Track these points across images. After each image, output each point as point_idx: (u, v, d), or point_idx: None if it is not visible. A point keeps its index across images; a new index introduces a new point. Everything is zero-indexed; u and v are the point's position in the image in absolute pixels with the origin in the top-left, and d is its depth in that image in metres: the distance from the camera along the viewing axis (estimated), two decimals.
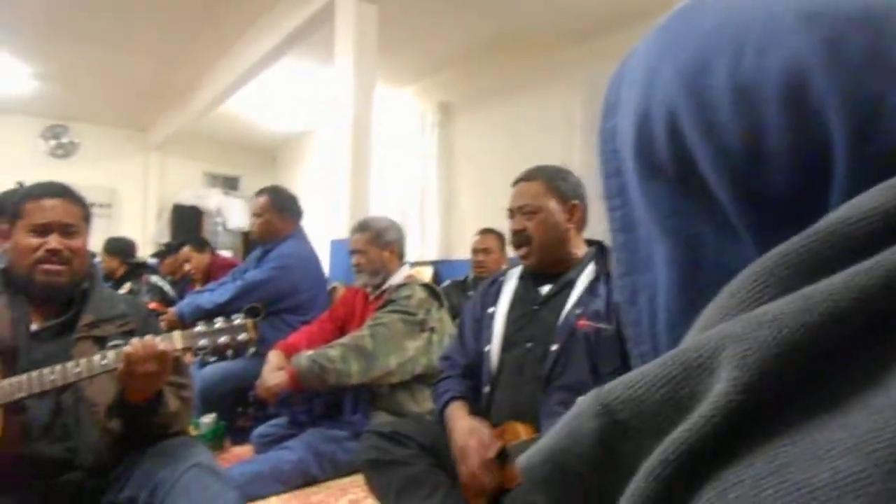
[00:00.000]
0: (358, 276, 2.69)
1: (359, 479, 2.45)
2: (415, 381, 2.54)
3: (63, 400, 1.50)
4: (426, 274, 4.42)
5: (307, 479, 2.42)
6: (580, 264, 1.79)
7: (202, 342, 1.53)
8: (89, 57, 5.86)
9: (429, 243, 5.57)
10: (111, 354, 1.46)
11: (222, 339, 1.54)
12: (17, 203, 1.65)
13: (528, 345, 1.76)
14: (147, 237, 7.78)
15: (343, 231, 3.68)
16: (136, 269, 4.42)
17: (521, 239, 1.82)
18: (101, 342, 1.59)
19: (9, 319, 1.56)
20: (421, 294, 2.54)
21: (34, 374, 1.42)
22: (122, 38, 5.37)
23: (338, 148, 3.78)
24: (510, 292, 1.88)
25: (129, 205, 8.15)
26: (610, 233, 0.39)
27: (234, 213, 7.83)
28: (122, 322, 1.67)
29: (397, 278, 2.64)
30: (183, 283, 4.59)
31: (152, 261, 5.08)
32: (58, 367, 1.43)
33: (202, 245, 4.28)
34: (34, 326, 1.59)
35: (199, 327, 1.54)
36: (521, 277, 1.89)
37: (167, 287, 4.28)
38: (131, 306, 1.76)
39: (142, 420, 1.54)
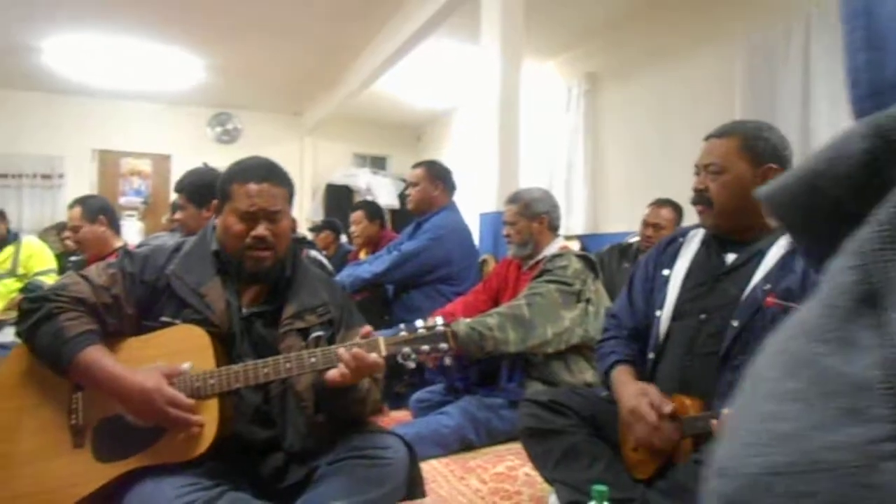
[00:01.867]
0: (509, 247, 2.71)
1: (515, 446, 2.49)
2: (570, 352, 2.52)
3: (271, 389, 1.59)
4: (573, 248, 4.36)
5: (464, 445, 2.49)
6: (772, 234, 1.62)
7: (405, 350, 1.56)
8: (251, 48, 6.26)
9: (575, 217, 5.48)
10: (320, 356, 1.53)
11: (424, 347, 1.57)
12: (225, 182, 1.69)
13: (702, 316, 1.65)
14: (303, 215, 8.24)
15: (491, 204, 3.70)
16: (298, 244, 4.69)
17: (701, 198, 1.69)
18: (304, 333, 1.65)
19: (224, 302, 1.63)
20: (577, 265, 2.51)
21: (250, 365, 1.51)
22: (280, 28, 5.68)
23: (485, 123, 3.79)
24: (689, 256, 1.77)
25: None
26: (847, 53, 0.35)
27: (382, 191, 8.10)
28: (324, 311, 1.71)
29: (552, 249, 2.62)
30: (337, 257, 4.83)
31: (310, 236, 5.38)
32: (270, 362, 1.51)
33: (374, 214, 4.38)
34: (244, 310, 1.66)
35: (403, 333, 1.57)
36: (704, 242, 1.75)
37: (325, 261, 4.52)
38: (331, 292, 1.79)
39: (342, 401, 1.60)
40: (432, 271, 3.28)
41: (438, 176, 3.50)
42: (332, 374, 1.51)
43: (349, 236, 4.73)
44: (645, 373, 1.74)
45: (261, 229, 1.63)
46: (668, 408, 1.54)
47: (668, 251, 1.84)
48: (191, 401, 1.48)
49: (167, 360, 1.54)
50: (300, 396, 1.63)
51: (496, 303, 2.82)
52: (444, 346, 1.60)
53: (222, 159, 8.29)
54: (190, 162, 8.22)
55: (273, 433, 1.61)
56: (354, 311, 1.88)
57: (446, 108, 8.01)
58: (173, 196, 8.35)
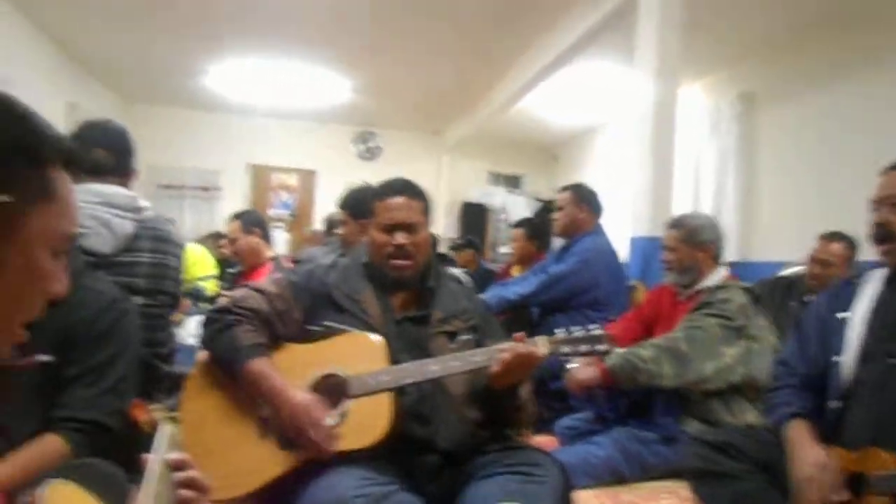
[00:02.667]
0: (666, 274, 2.60)
1: (670, 484, 2.38)
2: (730, 391, 2.37)
3: (424, 387, 1.66)
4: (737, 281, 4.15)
5: (615, 477, 2.40)
6: None
7: (564, 349, 1.62)
8: (395, 69, 6.49)
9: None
10: (484, 354, 1.60)
11: (583, 347, 1.62)
12: (370, 202, 1.89)
13: (891, 360, 1.55)
14: (439, 232, 8.40)
15: (643, 229, 3.59)
16: (439, 261, 4.77)
17: (882, 234, 1.61)
18: (451, 336, 1.76)
19: (379, 309, 1.77)
20: (741, 299, 2.37)
21: (418, 363, 1.62)
22: (424, 49, 5.85)
23: (637, 144, 3.69)
24: (870, 296, 1.66)
25: None
26: None
27: (517, 211, 8.10)
28: (468, 317, 1.82)
29: (714, 279, 2.49)
30: (478, 275, 4.87)
31: (450, 254, 5.46)
32: (438, 360, 1.61)
33: (534, 234, 4.38)
34: (397, 315, 1.79)
35: (561, 334, 1.63)
36: (889, 281, 1.66)
37: (466, 278, 4.56)
38: (471, 301, 1.91)
39: (500, 404, 1.66)
40: (579, 295, 3.22)
41: (585, 199, 3.47)
42: (495, 367, 1.58)
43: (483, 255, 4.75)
44: (826, 424, 1.63)
45: (399, 238, 1.78)
46: (838, 497, 1.47)
47: (843, 293, 1.74)
48: (332, 427, 1.56)
49: (342, 363, 1.67)
50: (452, 396, 1.69)
51: (649, 332, 2.71)
52: (601, 347, 1.65)
53: (364, 176, 8.66)
54: (334, 178, 8.68)
55: (427, 432, 1.66)
56: (495, 323, 1.96)
57: (585, 127, 7.90)
58: (321, 209, 8.73)
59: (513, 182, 9.07)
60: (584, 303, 3.22)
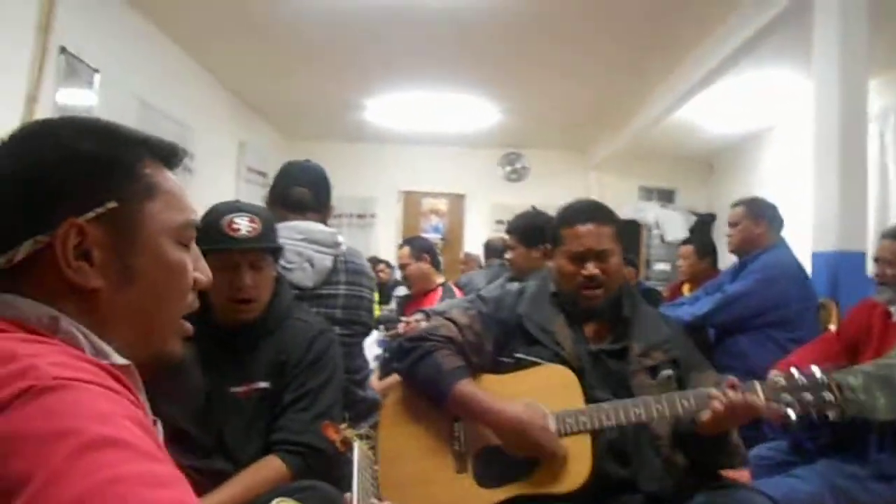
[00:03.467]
0: (880, 290, 2.36)
1: None
2: None
3: (626, 427, 1.59)
4: None
5: None
6: None
7: (785, 396, 1.48)
8: (540, 89, 6.49)
9: None
10: (692, 399, 1.51)
11: (807, 396, 1.47)
12: (555, 228, 1.82)
13: None
14: None
15: (829, 243, 3.31)
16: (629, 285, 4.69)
17: None
18: (652, 371, 1.66)
19: (571, 339, 1.71)
20: None
21: (620, 405, 1.55)
22: (569, 68, 5.80)
23: (821, 148, 3.40)
24: None
25: None
26: None
27: (671, 226, 7.80)
28: (669, 348, 1.71)
29: None
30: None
31: None
32: (641, 403, 1.54)
33: (705, 251, 4.23)
34: (592, 346, 1.72)
35: (781, 380, 1.50)
36: None
37: None
38: (673, 329, 1.80)
39: (708, 452, 1.57)
40: (762, 315, 3.02)
41: (761, 213, 3.26)
42: (707, 416, 1.47)
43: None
44: None
45: (590, 268, 1.70)
46: None
47: None
48: (556, 435, 1.53)
49: (536, 397, 1.63)
50: (657, 436, 1.61)
51: (853, 355, 2.48)
52: (828, 395, 1.48)
53: (511, 197, 8.74)
54: (482, 200, 8.81)
55: (628, 473, 1.60)
56: (697, 352, 1.84)
57: (745, 135, 7.46)
58: (470, 232, 8.86)
59: (666, 196, 8.74)
60: (769, 323, 3.01)
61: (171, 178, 0.74)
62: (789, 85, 5.66)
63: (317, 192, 2.08)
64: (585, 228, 1.73)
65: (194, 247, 0.77)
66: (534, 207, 3.10)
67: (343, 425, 1.68)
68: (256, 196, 7.31)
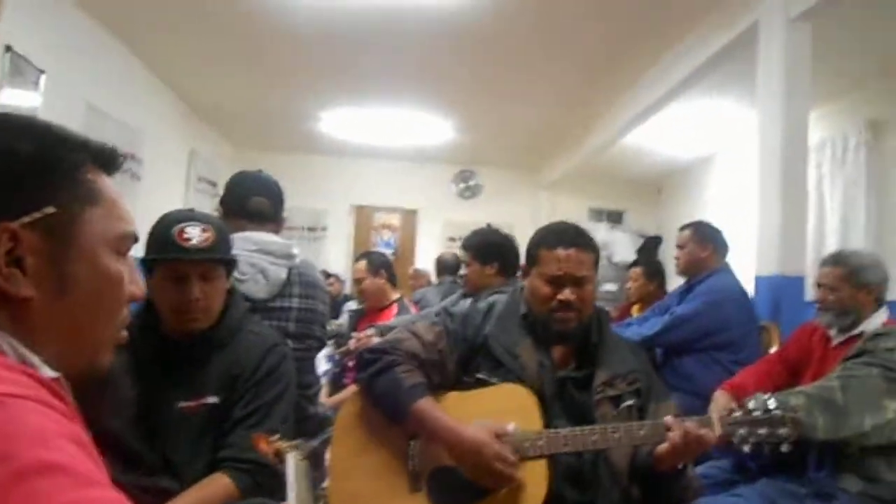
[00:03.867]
0: (821, 315, 2.44)
1: None
2: (893, 447, 2.19)
3: (584, 455, 1.59)
4: None
5: None
6: None
7: (740, 431, 1.49)
8: (494, 109, 6.57)
9: None
10: (649, 428, 1.52)
11: (761, 431, 1.49)
12: (533, 247, 1.77)
13: None
14: None
15: (770, 266, 3.43)
16: (600, 312, 4.72)
17: None
18: (615, 401, 1.65)
19: (536, 363, 1.68)
20: None
21: (577, 430, 1.54)
22: (523, 90, 5.90)
23: (765, 175, 3.52)
24: None
25: (523, 239, 8.83)
26: None
27: (619, 248, 7.95)
28: (633, 379, 1.70)
29: (874, 323, 2.33)
30: None
31: None
32: (598, 430, 1.53)
33: (653, 273, 4.28)
34: (557, 373, 1.70)
35: (737, 414, 1.51)
36: None
37: None
38: (637, 358, 1.78)
39: (665, 487, 1.57)
40: (708, 336, 3.10)
41: (707, 237, 3.36)
42: (662, 448, 1.47)
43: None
44: None
45: (567, 293, 1.67)
46: None
47: None
48: (516, 459, 1.52)
49: (492, 418, 1.61)
50: (615, 468, 1.60)
51: (794, 376, 2.56)
52: (783, 431, 1.50)
53: (464, 214, 8.76)
54: (435, 216, 8.81)
55: (584, 498, 1.60)
56: (660, 382, 1.84)
57: (692, 160, 7.68)
58: (422, 248, 8.80)
59: (615, 217, 8.92)
60: (714, 345, 3.09)
61: (111, 186, 0.71)
62: (734, 114, 5.87)
63: (274, 203, 2.05)
64: (566, 253, 1.68)
65: (130, 258, 0.73)
66: (489, 225, 3.11)
67: (275, 437, 1.63)
68: (206, 206, 7.16)
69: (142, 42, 5.24)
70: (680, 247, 3.42)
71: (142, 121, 5.56)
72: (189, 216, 1.61)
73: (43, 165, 0.64)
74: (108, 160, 0.72)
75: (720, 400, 2.45)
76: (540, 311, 1.71)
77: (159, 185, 5.96)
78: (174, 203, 6.53)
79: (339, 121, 7.11)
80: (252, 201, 2.00)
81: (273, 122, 7.42)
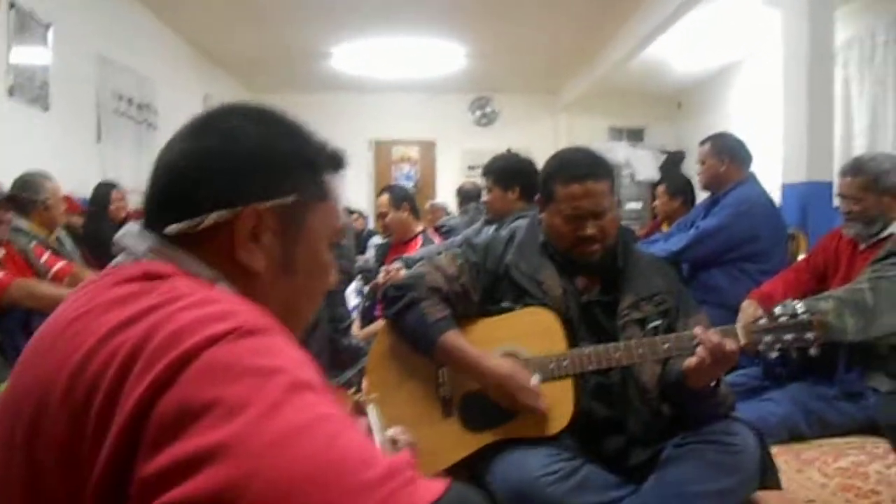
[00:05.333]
0: (847, 226, 2.41)
1: (854, 440, 2.26)
2: None
3: (612, 374, 1.61)
4: None
5: (793, 436, 2.30)
6: None
7: (766, 338, 1.48)
8: (508, 31, 6.40)
9: None
10: (674, 341, 1.51)
11: (787, 336, 1.47)
12: (547, 181, 1.69)
13: None
14: None
15: (798, 174, 3.37)
16: (627, 233, 4.69)
17: None
18: (641, 323, 1.63)
19: (561, 289, 1.66)
20: None
21: (601, 348, 1.55)
22: (536, 9, 5.72)
23: (789, 80, 3.42)
24: None
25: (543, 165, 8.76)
26: None
27: (641, 165, 7.84)
28: (660, 300, 1.66)
29: None
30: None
31: None
32: (622, 346, 1.54)
33: (677, 189, 4.23)
34: (583, 298, 1.69)
35: (763, 321, 1.49)
36: None
37: None
38: (665, 279, 1.73)
39: (697, 405, 1.55)
40: (735, 249, 3.08)
41: (726, 150, 3.27)
42: (690, 362, 1.45)
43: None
44: None
45: (588, 229, 1.63)
46: None
47: None
48: (538, 386, 1.55)
49: (519, 342, 1.64)
50: (644, 388, 1.61)
51: (822, 283, 2.55)
52: (810, 335, 1.50)
53: (482, 142, 8.71)
54: (453, 146, 8.74)
55: (614, 413, 1.63)
56: (690, 297, 1.82)
57: (711, 71, 7.47)
58: (442, 179, 8.80)
59: (635, 135, 8.77)
60: (742, 256, 3.07)
61: (337, 187, 0.80)
62: (755, 18, 5.65)
63: None
64: (583, 188, 1.62)
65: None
66: (509, 150, 3.09)
67: (351, 390, 1.67)
68: None
69: None
70: (701, 162, 3.35)
71: (154, 69, 5.53)
72: None
73: (294, 162, 0.74)
74: (339, 163, 0.81)
75: (748, 310, 2.45)
76: (562, 246, 1.70)
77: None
78: None
79: (351, 55, 7.00)
80: None
81: (285, 62, 7.33)
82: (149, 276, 0.63)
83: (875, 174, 2.33)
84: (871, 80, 4.94)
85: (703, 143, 3.38)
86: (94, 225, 3.86)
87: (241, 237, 0.69)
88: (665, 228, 4.11)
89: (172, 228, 0.68)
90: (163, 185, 0.72)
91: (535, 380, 1.56)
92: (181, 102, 6.29)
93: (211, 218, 0.67)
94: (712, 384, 1.50)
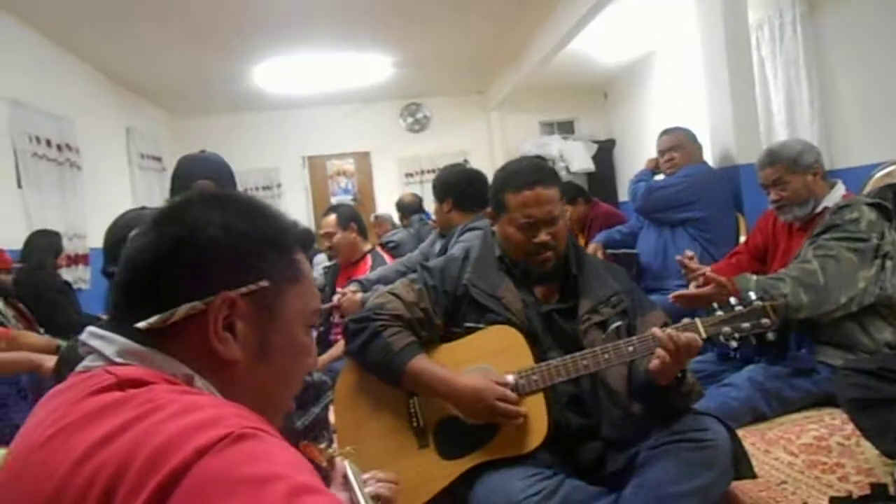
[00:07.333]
0: (783, 213, 2.49)
1: (811, 414, 2.36)
2: (864, 311, 2.30)
3: (582, 381, 1.63)
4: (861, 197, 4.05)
5: (755, 416, 2.38)
6: None
7: (724, 329, 1.53)
8: (433, 37, 6.39)
9: None
10: (637, 344, 1.54)
11: (745, 325, 1.53)
12: (497, 192, 1.74)
13: None
14: None
15: (727, 158, 3.48)
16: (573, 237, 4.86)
17: None
18: (602, 326, 1.67)
19: (521, 302, 1.69)
20: (870, 215, 2.26)
21: (568, 359, 1.57)
22: (458, 13, 5.74)
23: (710, 67, 3.52)
24: None
25: (478, 163, 8.79)
26: None
27: (575, 156, 7.96)
28: (617, 301, 1.71)
29: (833, 198, 2.39)
30: None
31: None
32: (588, 354, 1.56)
33: (571, 197, 4.34)
34: (544, 307, 1.72)
35: (720, 313, 1.54)
36: None
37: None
38: (618, 279, 1.78)
39: (666, 399, 1.58)
40: (677, 209, 3.37)
41: (693, 140, 3.53)
42: (654, 363, 1.49)
43: None
44: None
45: (542, 236, 1.68)
46: None
47: None
48: (516, 396, 1.56)
49: (485, 361, 1.64)
50: (612, 390, 1.64)
51: (763, 263, 2.64)
52: (765, 321, 1.55)
53: (416, 148, 8.67)
54: (388, 155, 8.68)
55: (588, 422, 1.65)
56: (643, 295, 1.87)
57: (632, 60, 7.64)
58: (380, 189, 8.70)
59: (566, 128, 8.90)
60: (686, 220, 3.35)
61: (308, 266, 0.79)
62: (671, 6, 5.81)
63: (219, 182, 2.00)
64: (534, 194, 1.67)
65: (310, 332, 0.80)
66: (465, 161, 3.11)
67: (323, 444, 1.63)
68: (154, 182, 6.95)
69: (58, 27, 4.96)
70: (665, 150, 3.57)
71: (71, 107, 5.31)
72: (140, 217, 1.56)
73: (262, 246, 0.72)
74: (306, 242, 0.78)
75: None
76: (517, 256, 1.73)
77: (101, 170, 5.74)
78: (119, 185, 6.32)
79: (273, 74, 6.87)
80: (196, 186, 1.95)
81: (208, 85, 7.14)
82: (123, 385, 0.60)
83: (792, 158, 2.43)
84: (783, 59, 5.14)
85: (664, 133, 3.54)
86: (30, 278, 3.67)
87: (214, 327, 0.66)
88: (581, 239, 4.30)
89: (143, 324, 0.65)
90: (130, 279, 0.69)
91: (510, 378, 1.57)
92: (103, 138, 6.07)
93: (182, 310, 0.65)
94: (678, 375, 1.55)
